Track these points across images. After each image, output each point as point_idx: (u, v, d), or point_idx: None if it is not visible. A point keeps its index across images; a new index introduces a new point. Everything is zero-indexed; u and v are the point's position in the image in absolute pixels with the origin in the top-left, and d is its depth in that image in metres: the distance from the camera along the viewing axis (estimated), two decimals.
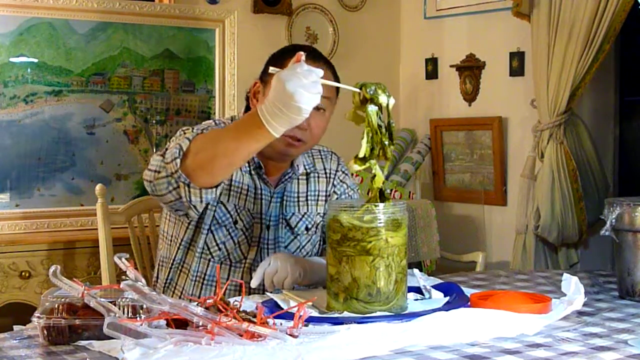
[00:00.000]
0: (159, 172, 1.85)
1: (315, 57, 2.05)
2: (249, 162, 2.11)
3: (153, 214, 2.58)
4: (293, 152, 2.09)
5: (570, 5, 3.52)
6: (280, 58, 2.04)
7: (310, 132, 2.04)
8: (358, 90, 1.74)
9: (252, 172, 2.12)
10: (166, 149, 1.89)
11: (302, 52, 1.65)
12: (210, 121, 2.18)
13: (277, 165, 2.14)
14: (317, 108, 2.02)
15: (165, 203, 1.92)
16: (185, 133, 1.99)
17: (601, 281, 2.20)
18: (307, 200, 2.20)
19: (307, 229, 2.18)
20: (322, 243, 2.23)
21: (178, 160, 1.80)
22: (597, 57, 3.52)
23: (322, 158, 2.27)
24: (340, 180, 2.27)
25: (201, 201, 1.85)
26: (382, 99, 1.74)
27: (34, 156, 3.31)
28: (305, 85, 1.60)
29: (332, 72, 2.10)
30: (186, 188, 1.82)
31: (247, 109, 2.14)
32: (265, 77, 2.07)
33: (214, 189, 1.85)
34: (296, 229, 2.17)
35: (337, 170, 2.27)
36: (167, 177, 1.83)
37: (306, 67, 1.62)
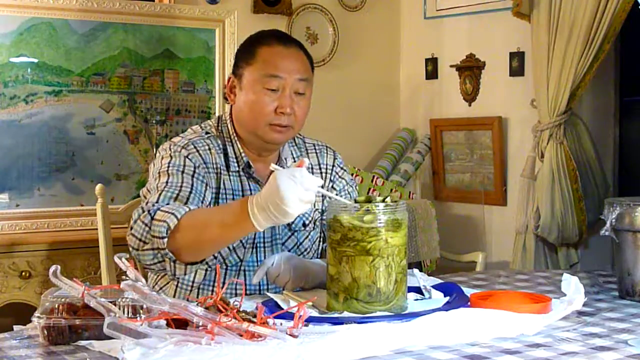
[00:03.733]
0: (145, 242, 1.83)
1: (286, 41, 2.11)
2: (237, 162, 2.10)
3: None
4: (281, 139, 2.09)
5: (570, 5, 3.51)
6: (249, 47, 2.10)
7: (294, 117, 2.06)
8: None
9: (242, 173, 2.10)
10: (148, 205, 1.86)
11: (305, 160, 1.67)
12: (196, 127, 2.17)
13: (265, 160, 2.12)
14: (297, 93, 2.06)
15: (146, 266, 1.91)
16: (163, 159, 2.01)
17: (601, 281, 2.20)
18: None
19: (304, 225, 2.16)
20: (322, 243, 2.23)
21: (166, 240, 1.79)
22: (597, 57, 3.52)
23: (316, 153, 2.25)
24: (339, 176, 2.25)
25: (185, 274, 1.88)
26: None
27: (34, 156, 3.31)
28: (297, 193, 1.62)
29: (305, 55, 2.12)
30: (172, 264, 1.83)
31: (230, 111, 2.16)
32: (237, 71, 2.11)
33: (198, 264, 1.86)
34: (293, 225, 2.14)
35: (334, 166, 2.26)
36: (153, 250, 1.82)
37: (305, 174, 1.63)
